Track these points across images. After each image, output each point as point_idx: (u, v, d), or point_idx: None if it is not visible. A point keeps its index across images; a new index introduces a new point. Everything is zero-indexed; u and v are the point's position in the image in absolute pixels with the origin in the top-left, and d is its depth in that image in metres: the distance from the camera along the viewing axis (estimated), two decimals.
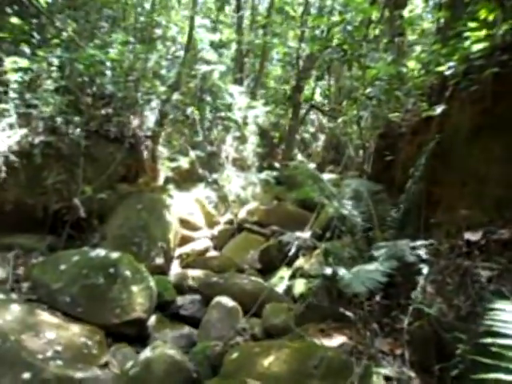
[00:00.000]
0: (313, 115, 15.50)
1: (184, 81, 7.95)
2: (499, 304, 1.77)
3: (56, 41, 5.43)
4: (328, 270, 3.69)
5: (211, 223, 7.60)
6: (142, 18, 7.94)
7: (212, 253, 6.88)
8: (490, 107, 3.21)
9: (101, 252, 4.32)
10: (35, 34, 5.54)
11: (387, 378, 2.64)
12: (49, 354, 3.17)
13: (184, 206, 7.06)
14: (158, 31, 8.03)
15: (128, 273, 4.16)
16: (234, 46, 12.42)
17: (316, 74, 13.36)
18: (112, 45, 6.41)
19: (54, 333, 3.38)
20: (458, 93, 3.58)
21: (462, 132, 3.48)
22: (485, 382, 1.60)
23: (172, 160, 7.21)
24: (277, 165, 11.46)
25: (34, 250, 4.75)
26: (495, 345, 1.57)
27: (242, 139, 9.70)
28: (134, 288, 4.09)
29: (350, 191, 4.41)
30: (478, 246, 2.90)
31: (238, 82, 11.32)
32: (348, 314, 3.29)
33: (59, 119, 5.08)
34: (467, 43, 3.57)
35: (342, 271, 3.24)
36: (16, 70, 4.79)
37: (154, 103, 6.84)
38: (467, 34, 3.55)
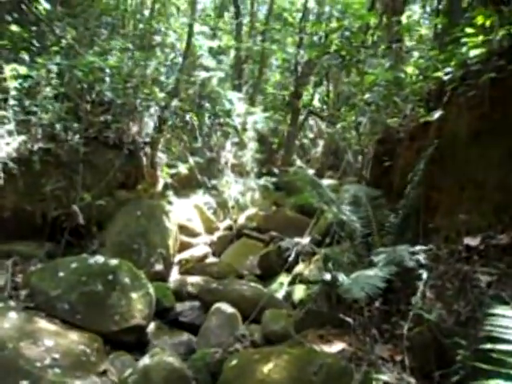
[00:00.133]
0: (311, 121, 15.55)
1: (183, 87, 7.97)
2: (499, 309, 1.76)
3: (55, 48, 5.44)
4: (327, 276, 3.69)
5: (210, 229, 7.59)
6: (140, 25, 7.98)
7: (211, 259, 6.86)
8: (487, 112, 3.23)
9: (100, 259, 4.30)
10: (35, 42, 5.54)
11: None
12: (47, 361, 3.14)
13: (183, 212, 7.05)
14: (157, 38, 8.06)
15: (127, 280, 4.15)
16: (232, 53, 12.49)
17: (314, 79, 13.41)
18: (111, 52, 6.43)
19: (52, 340, 3.35)
20: (455, 98, 3.60)
21: (460, 137, 3.49)
22: None
23: (171, 166, 7.20)
24: (276, 170, 11.47)
25: (32, 257, 4.73)
26: (495, 351, 1.56)
27: (241, 145, 9.71)
28: (133, 295, 4.07)
29: (348, 197, 4.41)
30: (477, 251, 2.90)
31: (237, 88, 11.36)
32: (347, 319, 3.28)
33: (58, 126, 5.07)
34: (464, 49, 3.59)
35: (341, 277, 3.23)
36: (15, 77, 4.80)
37: (153, 109, 6.84)
38: (464, 39, 3.57)
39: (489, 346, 1.60)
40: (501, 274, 2.63)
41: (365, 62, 5.97)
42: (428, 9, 10.24)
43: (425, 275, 3.01)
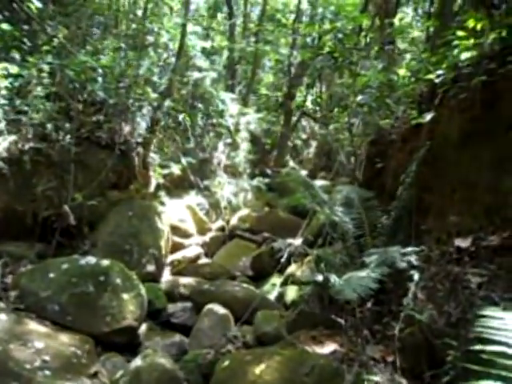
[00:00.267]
0: (304, 122, 15.58)
1: (176, 87, 7.95)
2: (489, 311, 1.78)
3: (47, 47, 5.39)
4: (320, 277, 3.70)
5: (203, 230, 7.57)
6: (133, 25, 7.93)
7: (203, 260, 6.85)
8: (478, 115, 3.26)
9: (91, 260, 4.27)
10: (26, 41, 5.50)
11: None
12: (37, 363, 3.11)
13: (175, 213, 7.02)
14: (150, 38, 8.02)
15: (119, 280, 4.12)
16: (225, 53, 12.48)
17: (307, 81, 13.46)
18: (103, 51, 6.40)
19: (42, 342, 3.32)
20: (447, 100, 3.62)
21: (452, 139, 3.52)
22: None
23: (163, 167, 7.17)
24: (268, 171, 11.49)
25: (22, 257, 4.67)
26: (485, 352, 1.57)
27: (234, 146, 9.71)
28: (125, 296, 4.05)
29: (341, 198, 4.42)
30: (468, 253, 2.92)
31: (230, 88, 11.36)
32: (339, 320, 3.29)
33: (49, 126, 5.03)
34: (456, 52, 3.62)
35: (333, 278, 3.24)
36: (6, 77, 4.75)
37: (146, 110, 6.82)
38: (456, 42, 3.60)
39: (479, 347, 1.61)
40: (491, 276, 2.65)
41: (357, 64, 5.99)
42: (420, 11, 10.32)
43: (416, 276, 3.03)
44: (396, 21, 7.06)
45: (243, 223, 7.91)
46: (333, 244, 4.70)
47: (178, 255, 6.44)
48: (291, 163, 13.39)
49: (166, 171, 7.17)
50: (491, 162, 3.15)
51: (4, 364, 2.98)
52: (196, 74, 8.43)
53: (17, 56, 5.16)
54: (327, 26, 9.98)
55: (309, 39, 11.96)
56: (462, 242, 2.99)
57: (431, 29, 6.04)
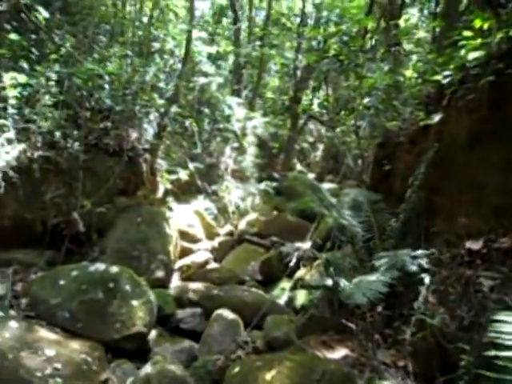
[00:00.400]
0: (311, 125, 15.56)
1: (182, 93, 7.99)
2: (502, 315, 1.74)
3: (54, 56, 5.45)
4: (329, 281, 3.67)
5: (211, 235, 7.57)
6: (139, 32, 8.00)
7: (212, 265, 6.84)
8: (486, 115, 3.22)
9: (100, 266, 4.29)
10: (34, 50, 5.56)
11: None
12: (48, 371, 3.12)
13: (184, 218, 7.03)
14: (156, 45, 8.08)
15: (128, 287, 4.13)
16: (231, 58, 12.52)
17: (313, 84, 13.45)
18: (110, 59, 6.45)
19: (53, 349, 3.33)
20: (454, 101, 3.59)
21: (460, 140, 3.48)
22: None
23: (171, 172, 7.20)
24: (276, 175, 11.47)
25: (32, 265, 4.71)
26: (500, 357, 1.54)
27: (241, 150, 9.72)
28: (134, 302, 4.06)
29: (349, 201, 4.41)
30: (479, 255, 2.88)
31: (236, 93, 11.38)
32: (350, 325, 3.26)
33: (58, 133, 5.08)
34: (463, 52, 3.58)
35: (343, 282, 3.22)
36: (15, 86, 4.81)
37: (153, 116, 6.85)
38: (463, 42, 3.57)
39: (492, 352, 1.58)
40: (504, 278, 2.61)
41: (363, 66, 5.98)
42: (425, 12, 10.29)
43: (427, 280, 3.00)
44: (401, 22, 7.04)
45: (251, 227, 7.89)
46: (342, 247, 4.67)
47: (186, 260, 6.44)
48: (298, 167, 13.38)
49: (173, 177, 7.20)
50: (499, 162, 3.12)
51: (15, 372, 3.00)
52: (202, 80, 8.48)
53: (25, 65, 5.21)
54: (332, 28, 9.98)
55: (314, 42, 11.97)
56: (473, 245, 2.95)
57: (437, 29, 6.01)
